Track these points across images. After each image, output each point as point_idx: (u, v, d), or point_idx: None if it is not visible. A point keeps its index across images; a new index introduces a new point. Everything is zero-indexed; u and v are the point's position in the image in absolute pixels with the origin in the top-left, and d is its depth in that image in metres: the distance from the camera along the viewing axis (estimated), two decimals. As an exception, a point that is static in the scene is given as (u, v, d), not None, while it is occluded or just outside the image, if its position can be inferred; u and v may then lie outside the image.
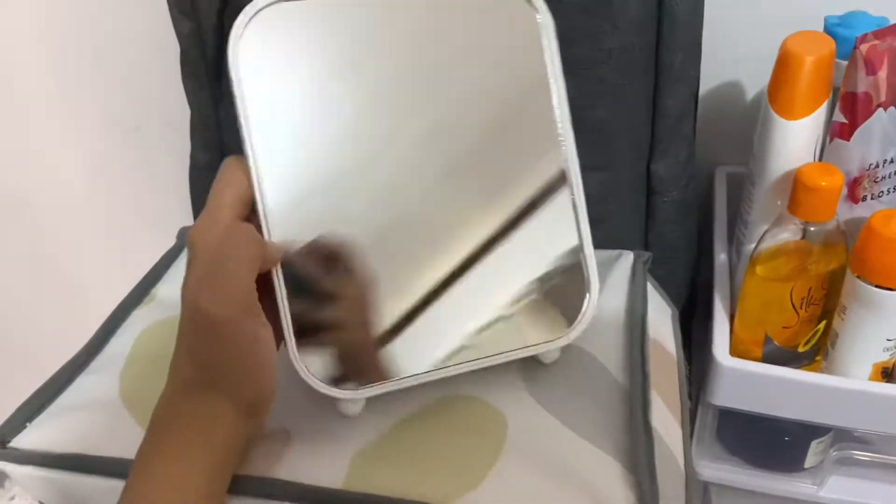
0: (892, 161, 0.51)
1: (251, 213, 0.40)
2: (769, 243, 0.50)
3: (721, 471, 0.57)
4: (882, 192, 0.51)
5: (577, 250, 0.43)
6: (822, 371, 0.53)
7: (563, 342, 0.43)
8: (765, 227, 0.51)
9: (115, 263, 0.92)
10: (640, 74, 0.53)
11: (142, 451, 0.37)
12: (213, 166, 0.63)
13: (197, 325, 0.36)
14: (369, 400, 0.42)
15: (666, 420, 0.44)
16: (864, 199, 0.52)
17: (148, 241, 0.65)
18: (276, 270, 0.40)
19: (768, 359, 0.52)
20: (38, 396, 0.46)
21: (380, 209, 0.41)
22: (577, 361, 0.46)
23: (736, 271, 0.57)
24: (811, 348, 0.53)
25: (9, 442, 0.43)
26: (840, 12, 0.54)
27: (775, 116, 0.50)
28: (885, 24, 0.52)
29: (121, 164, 0.85)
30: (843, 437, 0.56)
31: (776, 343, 0.52)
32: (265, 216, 0.40)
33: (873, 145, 0.49)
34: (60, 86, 0.81)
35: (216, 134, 0.63)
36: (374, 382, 0.41)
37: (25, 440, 0.43)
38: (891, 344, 0.50)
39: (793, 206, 0.48)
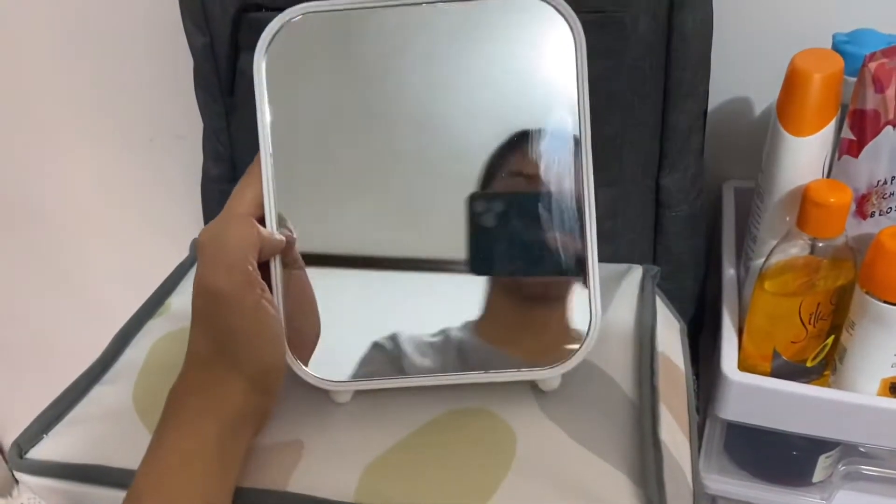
0: (900, 178, 0.51)
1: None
2: (778, 258, 0.50)
3: (729, 485, 0.57)
4: (890, 208, 0.52)
5: (582, 280, 0.43)
6: (830, 386, 0.53)
7: (560, 370, 0.43)
8: (773, 243, 0.51)
9: (129, 275, 0.93)
10: (650, 90, 0.54)
11: (157, 425, 0.38)
12: (224, 178, 0.64)
13: (204, 302, 0.39)
14: (379, 413, 0.43)
15: (674, 434, 0.44)
16: (873, 215, 0.52)
17: (161, 252, 0.66)
18: (275, 268, 0.42)
19: (776, 373, 0.52)
20: (54, 407, 0.46)
21: (396, 220, 0.42)
22: (586, 375, 0.46)
23: (744, 286, 0.57)
24: (819, 363, 0.53)
25: (26, 453, 0.44)
26: (849, 30, 0.55)
27: (784, 133, 0.50)
28: (894, 42, 0.52)
29: (134, 176, 0.86)
30: (851, 451, 0.56)
31: (784, 358, 0.52)
32: (271, 213, 0.42)
33: (881, 162, 0.49)
34: (74, 99, 0.82)
35: (228, 146, 0.63)
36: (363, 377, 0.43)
37: (42, 451, 0.44)
38: (899, 359, 0.50)
39: (801, 221, 0.48)
